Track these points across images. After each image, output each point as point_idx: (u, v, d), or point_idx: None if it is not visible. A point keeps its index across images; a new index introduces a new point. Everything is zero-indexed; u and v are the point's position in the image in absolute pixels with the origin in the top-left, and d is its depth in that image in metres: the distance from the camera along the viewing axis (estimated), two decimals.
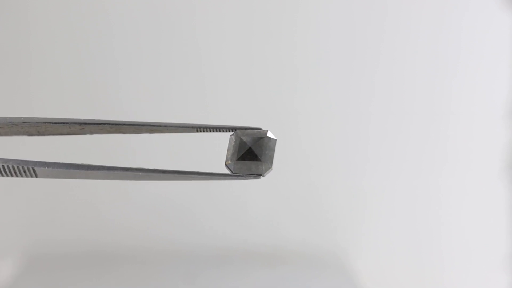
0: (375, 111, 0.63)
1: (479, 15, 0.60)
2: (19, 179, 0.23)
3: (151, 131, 0.33)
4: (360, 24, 0.61)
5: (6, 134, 0.32)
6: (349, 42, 0.62)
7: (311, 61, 0.62)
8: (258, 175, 0.23)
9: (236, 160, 0.23)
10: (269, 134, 0.24)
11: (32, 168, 0.20)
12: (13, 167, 0.20)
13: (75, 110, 0.62)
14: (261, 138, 0.24)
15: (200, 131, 0.31)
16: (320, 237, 0.66)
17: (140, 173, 0.21)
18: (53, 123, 0.32)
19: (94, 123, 0.33)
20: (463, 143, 0.64)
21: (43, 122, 0.32)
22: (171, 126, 0.32)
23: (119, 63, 0.62)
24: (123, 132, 0.34)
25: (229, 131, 0.27)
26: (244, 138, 0.24)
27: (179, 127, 0.32)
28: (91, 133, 0.33)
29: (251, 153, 0.23)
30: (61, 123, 0.32)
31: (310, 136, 0.64)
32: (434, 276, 0.66)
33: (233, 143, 0.24)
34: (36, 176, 0.23)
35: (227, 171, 0.24)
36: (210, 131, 0.31)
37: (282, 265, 0.65)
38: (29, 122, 0.32)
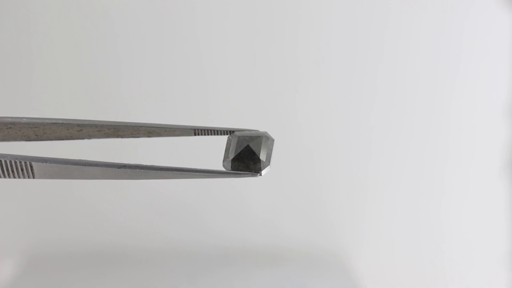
0: (377, 110, 0.64)
1: (480, 16, 0.61)
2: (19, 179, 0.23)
3: (149, 133, 0.33)
4: (363, 25, 0.62)
5: (4, 138, 0.32)
6: (352, 41, 0.62)
7: (313, 60, 0.63)
8: (256, 172, 0.23)
9: (234, 157, 0.23)
10: (267, 134, 0.25)
11: (30, 164, 0.20)
12: (10, 162, 0.20)
13: (73, 111, 0.62)
14: (258, 137, 0.24)
15: (198, 134, 0.31)
16: (321, 236, 0.67)
17: (137, 170, 0.21)
18: (52, 123, 0.32)
19: (92, 124, 0.33)
20: (463, 142, 0.64)
21: (41, 123, 0.32)
22: (169, 128, 0.33)
23: (119, 65, 0.62)
24: (121, 136, 0.34)
25: (227, 134, 0.27)
26: (242, 137, 0.24)
27: (177, 129, 0.32)
28: (89, 136, 0.33)
29: (249, 151, 0.23)
30: (59, 123, 0.32)
31: (311, 135, 0.64)
32: (435, 275, 0.67)
33: (231, 143, 0.24)
34: (34, 177, 0.23)
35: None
36: (208, 134, 0.31)
37: (283, 264, 0.65)
38: (28, 123, 0.32)
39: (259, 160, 0.23)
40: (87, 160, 0.21)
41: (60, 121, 0.32)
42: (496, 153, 0.63)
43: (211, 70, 0.62)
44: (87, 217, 0.66)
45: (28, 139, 0.33)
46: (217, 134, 0.30)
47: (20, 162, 0.20)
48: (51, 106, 0.62)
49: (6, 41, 0.61)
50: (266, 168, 0.23)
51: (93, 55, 0.61)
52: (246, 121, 0.63)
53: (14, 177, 0.23)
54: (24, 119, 0.32)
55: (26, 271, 0.63)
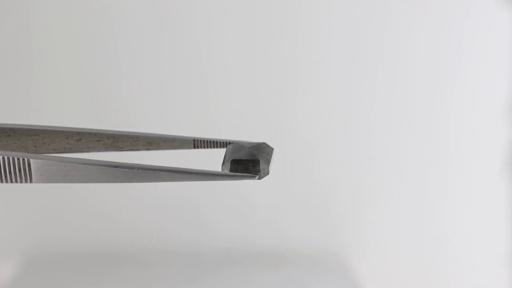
0: (378, 110, 0.64)
1: (480, 15, 0.61)
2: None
3: (148, 144, 0.33)
4: (363, 25, 0.62)
5: (2, 149, 0.32)
6: (352, 41, 0.63)
7: (313, 61, 0.63)
8: (254, 175, 0.23)
9: (233, 160, 0.23)
10: (267, 144, 0.25)
11: (28, 161, 0.20)
12: (8, 158, 0.20)
13: (72, 111, 0.63)
14: (258, 143, 0.24)
15: (198, 146, 0.31)
16: (323, 237, 0.67)
17: (135, 170, 0.21)
18: (51, 130, 0.32)
19: (91, 132, 0.33)
20: (464, 142, 0.64)
21: (40, 130, 0.32)
22: (168, 139, 0.33)
23: (119, 65, 0.63)
24: (120, 148, 0.34)
25: (226, 146, 0.27)
26: (242, 144, 0.24)
27: (176, 139, 0.32)
28: (88, 148, 0.33)
29: (248, 154, 0.23)
30: (58, 131, 0.32)
31: (312, 135, 0.64)
32: (437, 275, 0.66)
33: (230, 149, 0.24)
34: (31, 179, 0.23)
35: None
36: (208, 147, 0.31)
37: (285, 265, 0.65)
38: (28, 129, 0.32)
39: (258, 162, 0.23)
40: (85, 159, 0.21)
41: (59, 129, 0.32)
42: (497, 153, 0.63)
43: (211, 71, 0.63)
44: (87, 217, 0.66)
45: (27, 151, 0.33)
46: (217, 147, 0.30)
47: (18, 159, 0.20)
48: (50, 106, 0.63)
49: (5, 41, 0.61)
50: (265, 172, 0.23)
51: (93, 56, 0.62)
52: (246, 120, 0.64)
53: (11, 180, 0.23)
54: (23, 126, 0.32)
55: (26, 271, 0.63)
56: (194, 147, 0.32)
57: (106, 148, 0.33)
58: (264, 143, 0.24)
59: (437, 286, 0.66)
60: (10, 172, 0.22)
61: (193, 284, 0.62)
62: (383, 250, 0.67)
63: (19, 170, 0.22)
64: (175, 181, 0.22)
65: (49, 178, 0.23)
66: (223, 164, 0.23)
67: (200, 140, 0.31)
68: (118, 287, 0.61)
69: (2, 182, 0.23)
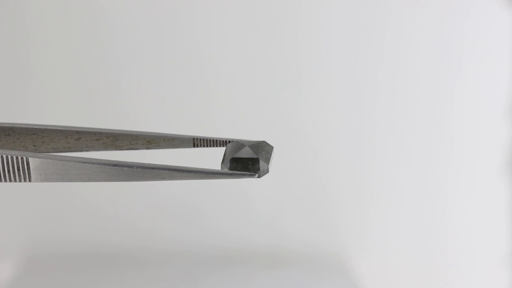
0: (379, 110, 0.64)
1: (481, 15, 0.62)
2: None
3: (148, 143, 0.33)
4: (364, 25, 0.62)
5: (1, 149, 0.32)
6: (353, 42, 0.63)
7: (315, 60, 0.63)
8: (254, 173, 0.23)
9: (232, 158, 0.23)
10: (266, 142, 0.25)
11: (26, 159, 0.20)
12: (7, 157, 0.20)
13: (71, 112, 0.63)
14: (258, 142, 0.24)
15: (197, 145, 0.31)
16: (324, 238, 0.67)
17: (134, 168, 0.20)
18: (50, 129, 0.32)
19: (91, 131, 0.33)
20: (465, 142, 0.64)
21: (39, 128, 0.32)
22: (168, 137, 0.32)
23: (118, 65, 0.63)
24: (120, 147, 0.33)
25: (226, 145, 0.27)
26: (241, 142, 0.24)
27: (176, 138, 0.32)
28: (88, 148, 0.33)
29: (248, 152, 0.23)
30: (58, 130, 0.32)
31: (313, 135, 0.65)
32: (437, 277, 0.66)
33: (230, 147, 0.24)
34: (30, 178, 0.23)
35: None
36: (208, 146, 0.31)
37: (285, 266, 0.65)
38: (27, 128, 0.32)
39: (258, 160, 0.23)
40: (83, 157, 0.21)
41: (58, 128, 0.32)
42: (498, 153, 0.63)
43: (212, 69, 0.63)
44: (87, 217, 0.66)
45: (26, 150, 0.33)
46: (216, 146, 0.30)
47: (17, 157, 0.20)
48: (49, 105, 0.63)
49: (5, 41, 0.61)
50: (265, 171, 0.23)
51: (92, 55, 0.62)
52: (247, 119, 0.64)
53: (10, 179, 0.22)
54: (22, 125, 0.32)
55: (25, 271, 0.63)
56: (194, 146, 0.31)
57: (106, 147, 0.33)
58: (263, 142, 0.24)
59: (437, 286, 0.67)
60: (8, 171, 0.22)
61: (193, 284, 0.62)
62: (383, 250, 0.67)
63: (18, 169, 0.22)
64: (174, 179, 0.22)
65: (48, 177, 0.23)
66: (222, 162, 0.23)
67: (200, 139, 0.31)
68: (118, 287, 0.61)
69: (0, 181, 0.23)
